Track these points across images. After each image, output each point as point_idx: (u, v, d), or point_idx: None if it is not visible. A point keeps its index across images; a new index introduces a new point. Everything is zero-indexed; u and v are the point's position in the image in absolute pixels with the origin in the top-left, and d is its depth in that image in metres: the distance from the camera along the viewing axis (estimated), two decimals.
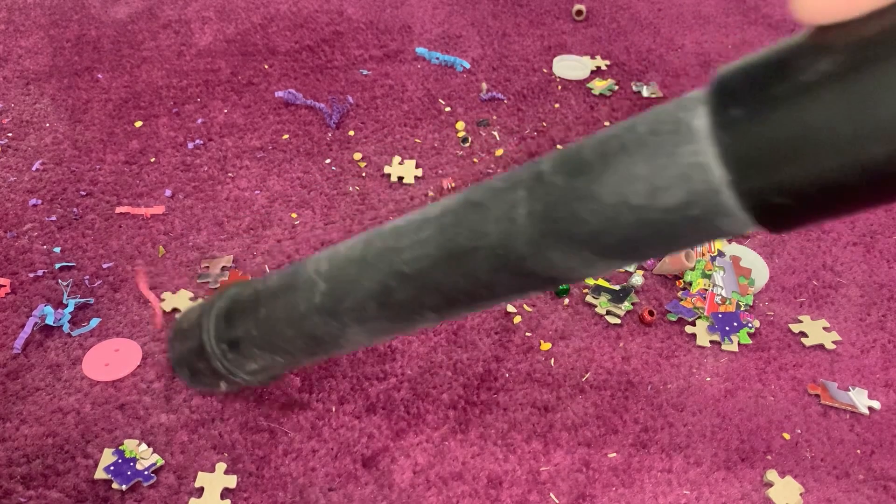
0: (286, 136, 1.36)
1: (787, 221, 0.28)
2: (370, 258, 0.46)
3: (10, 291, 1.06)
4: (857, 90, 0.23)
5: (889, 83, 0.23)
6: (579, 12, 1.71)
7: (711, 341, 1.04)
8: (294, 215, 1.21)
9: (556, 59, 1.58)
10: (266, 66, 1.52)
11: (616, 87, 1.51)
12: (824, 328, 1.07)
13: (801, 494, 0.89)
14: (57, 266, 1.10)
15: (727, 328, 1.05)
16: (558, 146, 1.36)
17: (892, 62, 0.23)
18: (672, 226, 0.30)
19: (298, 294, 0.53)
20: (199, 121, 1.38)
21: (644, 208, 0.30)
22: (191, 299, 1.06)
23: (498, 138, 1.38)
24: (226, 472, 0.87)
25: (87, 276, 1.09)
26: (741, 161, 0.27)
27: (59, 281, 1.08)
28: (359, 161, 1.32)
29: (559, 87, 1.51)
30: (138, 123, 1.37)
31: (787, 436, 0.95)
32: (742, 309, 1.08)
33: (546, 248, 0.34)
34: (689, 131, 0.28)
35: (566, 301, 1.09)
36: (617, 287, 1.10)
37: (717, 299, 1.08)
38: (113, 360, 0.98)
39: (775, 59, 0.28)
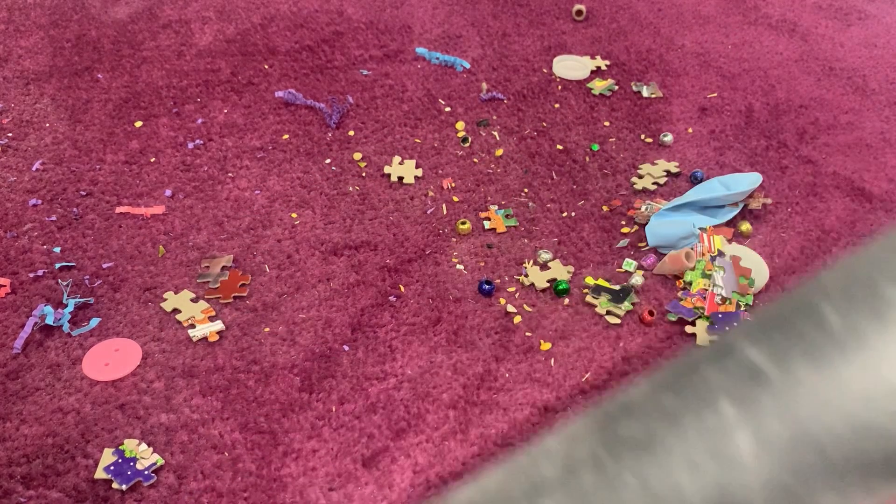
0: (286, 136, 1.36)
1: None
2: None
3: (10, 291, 1.06)
4: None
5: None
6: (579, 12, 1.71)
7: (711, 341, 1.04)
8: (294, 215, 1.21)
9: (556, 59, 1.58)
10: (266, 66, 1.52)
11: (616, 87, 1.51)
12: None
13: None
14: (57, 266, 1.10)
15: (727, 328, 1.05)
16: (558, 145, 1.36)
17: None
18: None
19: None
20: (199, 121, 1.38)
21: None
22: (192, 300, 1.06)
23: (498, 138, 1.38)
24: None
25: (87, 276, 1.09)
26: None
27: (59, 281, 1.08)
28: (359, 161, 1.32)
29: (559, 87, 1.51)
30: (138, 123, 1.37)
31: None
32: (742, 309, 1.08)
33: (797, 495, 0.20)
34: None
35: (566, 301, 1.09)
36: (617, 287, 1.10)
37: (717, 299, 1.08)
38: (113, 359, 0.98)
39: None
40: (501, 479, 0.27)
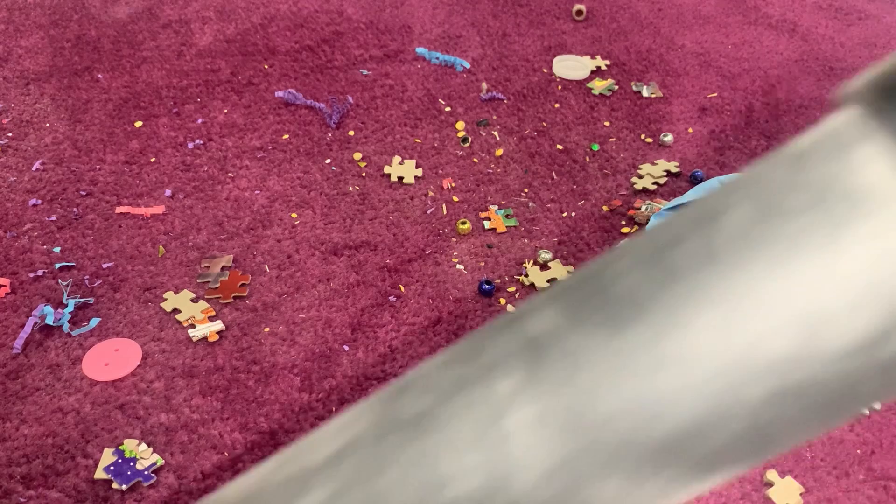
0: (286, 136, 1.36)
1: None
2: None
3: (10, 291, 1.06)
4: None
5: None
6: (579, 12, 1.71)
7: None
8: (294, 215, 1.21)
9: (556, 59, 1.58)
10: (266, 66, 1.52)
11: (616, 87, 1.51)
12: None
13: (801, 494, 0.89)
14: (57, 266, 1.10)
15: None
16: (558, 145, 1.36)
17: None
18: (844, 383, 0.16)
19: None
20: (199, 121, 1.38)
21: (792, 362, 0.15)
22: (192, 300, 1.06)
23: (498, 138, 1.38)
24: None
25: (87, 276, 1.09)
26: None
27: (59, 281, 1.08)
28: (359, 161, 1.32)
29: (559, 87, 1.51)
30: (138, 123, 1.37)
31: None
32: None
33: (582, 484, 0.18)
34: (856, 196, 0.15)
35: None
36: None
37: None
38: (113, 359, 0.98)
39: None
40: (272, 466, 0.24)
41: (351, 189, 1.26)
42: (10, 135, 1.33)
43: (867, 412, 0.97)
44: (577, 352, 0.17)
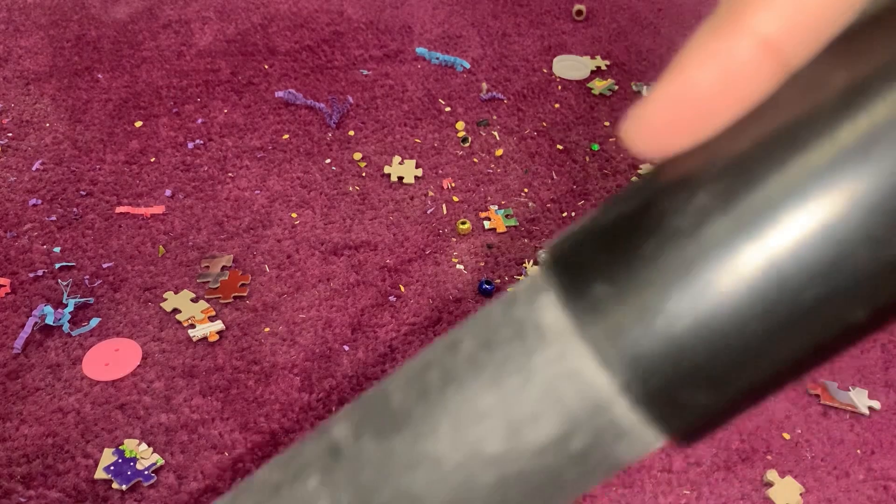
0: (286, 136, 1.36)
1: (709, 421, 0.20)
2: None
3: (10, 291, 1.06)
4: (749, 217, 0.18)
5: (777, 199, 0.18)
6: (579, 12, 1.71)
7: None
8: (294, 215, 1.21)
9: (556, 59, 1.58)
10: (266, 66, 1.52)
11: (616, 87, 1.51)
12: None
13: (801, 494, 0.89)
14: (57, 266, 1.10)
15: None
16: (558, 145, 1.36)
17: (774, 174, 0.18)
18: (549, 472, 0.21)
19: None
20: (199, 121, 1.38)
21: (505, 457, 0.21)
22: (192, 300, 1.06)
23: (498, 138, 1.38)
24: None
25: (87, 276, 1.09)
26: (631, 352, 0.20)
27: (59, 281, 1.08)
28: (359, 161, 1.32)
29: (559, 87, 1.51)
30: (138, 123, 1.37)
31: (787, 436, 0.95)
32: None
33: None
34: (539, 331, 0.21)
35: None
36: None
37: None
38: (113, 359, 0.98)
39: (628, 212, 0.20)
40: (270, 465, 0.29)
41: (351, 189, 1.26)
42: (10, 135, 1.33)
43: (867, 411, 0.97)
44: (360, 455, 0.23)
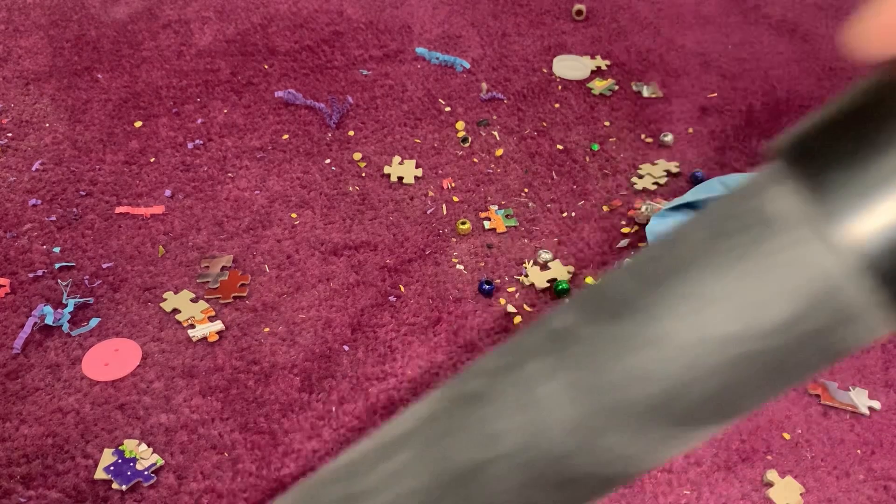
0: (286, 136, 1.36)
1: None
2: None
3: (9, 291, 1.06)
4: None
5: None
6: (579, 12, 1.71)
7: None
8: (294, 215, 1.21)
9: (556, 59, 1.58)
10: (266, 66, 1.52)
11: (616, 87, 1.51)
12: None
13: (801, 494, 0.89)
14: (57, 266, 1.10)
15: None
16: (558, 145, 1.36)
17: None
18: (778, 354, 0.22)
19: None
20: (199, 121, 1.38)
21: (735, 338, 0.22)
22: (192, 300, 1.06)
23: (498, 138, 1.38)
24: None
25: (87, 276, 1.09)
26: (868, 236, 0.20)
27: (59, 281, 1.08)
28: (359, 161, 1.32)
29: (559, 87, 1.51)
30: (138, 123, 1.37)
31: (787, 436, 0.95)
32: None
33: (596, 436, 0.24)
34: (771, 220, 0.22)
35: (566, 301, 1.09)
36: None
37: None
38: (113, 359, 0.98)
39: (861, 105, 0.21)
40: (370, 437, 0.31)
41: (351, 189, 1.26)
42: (9, 135, 1.33)
43: (867, 411, 0.97)
44: (588, 339, 0.25)
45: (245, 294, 1.07)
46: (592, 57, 1.59)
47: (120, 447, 0.88)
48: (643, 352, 0.23)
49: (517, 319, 1.06)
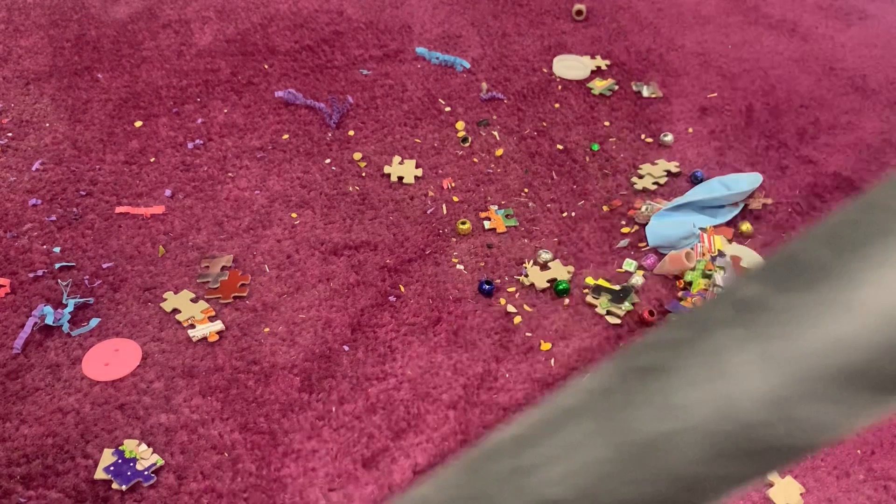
0: (286, 136, 1.36)
1: None
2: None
3: (9, 291, 1.06)
4: None
5: None
6: (579, 12, 1.71)
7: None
8: (294, 215, 1.21)
9: (556, 59, 1.58)
10: (266, 66, 1.52)
11: (616, 87, 1.51)
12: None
13: (801, 494, 0.89)
14: (57, 266, 1.10)
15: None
16: (558, 145, 1.36)
17: None
18: None
19: None
20: (199, 121, 1.38)
21: None
22: (192, 300, 1.06)
23: (498, 138, 1.38)
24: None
25: (87, 276, 1.09)
26: None
27: (59, 281, 1.08)
28: (359, 161, 1.32)
29: (559, 87, 1.51)
30: (138, 123, 1.37)
31: None
32: None
33: (790, 406, 0.24)
34: None
35: (566, 301, 1.09)
36: (617, 287, 1.10)
37: None
38: (113, 359, 0.98)
39: None
40: (535, 412, 0.31)
41: (351, 189, 1.26)
42: (10, 135, 1.33)
43: None
44: (781, 308, 0.24)
45: (245, 294, 1.07)
46: (592, 57, 1.59)
47: (120, 447, 0.88)
48: (840, 319, 0.23)
49: (517, 319, 1.06)
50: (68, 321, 1.02)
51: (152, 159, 1.29)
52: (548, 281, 1.11)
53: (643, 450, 0.27)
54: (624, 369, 0.29)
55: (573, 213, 1.23)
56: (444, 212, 1.23)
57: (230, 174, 1.28)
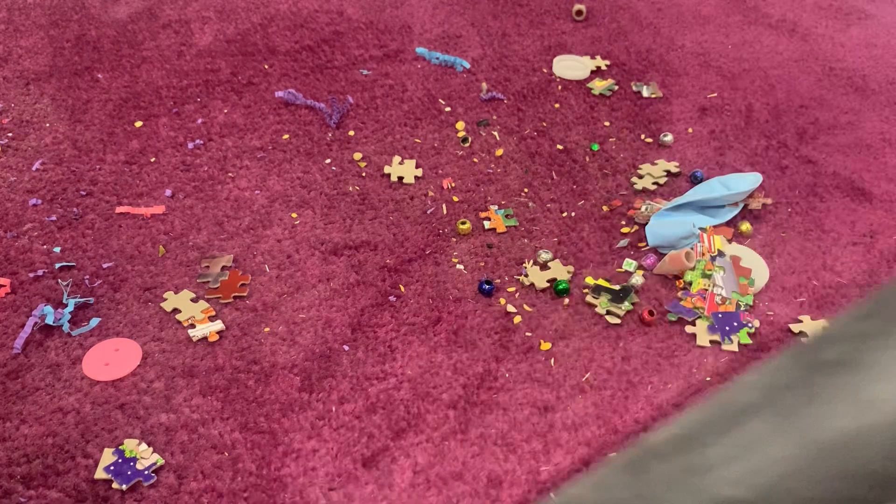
0: (286, 136, 1.36)
1: None
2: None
3: (10, 291, 1.06)
4: None
5: None
6: (579, 12, 1.71)
7: (711, 341, 1.04)
8: (294, 215, 1.21)
9: (556, 59, 1.58)
10: (266, 66, 1.52)
11: (616, 87, 1.51)
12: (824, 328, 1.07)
13: None
14: (57, 266, 1.10)
15: (727, 328, 1.05)
16: (558, 145, 1.36)
17: None
18: None
19: None
20: (199, 121, 1.38)
21: None
22: (192, 300, 1.06)
23: (498, 138, 1.38)
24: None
25: (87, 276, 1.09)
26: None
27: (59, 281, 1.08)
28: (359, 161, 1.32)
29: (559, 87, 1.51)
30: (138, 123, 1.37)
31: None
32: (742, 309, 1.08)
33: None
34: None
35: (566, 301, 1.09)
36: (617, 287, 1.10)
37: (717, 299, 1.08)
38: (113, 359, 0.98)
39: None
40: (702, 410, 0.30)
41: (351, 189, 1.26)
42: (10, 135, 1.33)
43: None
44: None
45: (245, 294, 1.07)
46: (592, 57, 1.59)
47: (120, 447, 0.88)
48: (866, 412, 0.23)
49: (517, 319, 1.06)
50: (68, 321, 1.02)
51: (152, 159, 1.30)
52: (548, 281, 1.11)
53: (831, 447, 0.26)
54: (805, 364, 0.28)
55: (573, 213, 1.23)
56: (444, 212, 1.23)
57: (230, 174, 1.28)
